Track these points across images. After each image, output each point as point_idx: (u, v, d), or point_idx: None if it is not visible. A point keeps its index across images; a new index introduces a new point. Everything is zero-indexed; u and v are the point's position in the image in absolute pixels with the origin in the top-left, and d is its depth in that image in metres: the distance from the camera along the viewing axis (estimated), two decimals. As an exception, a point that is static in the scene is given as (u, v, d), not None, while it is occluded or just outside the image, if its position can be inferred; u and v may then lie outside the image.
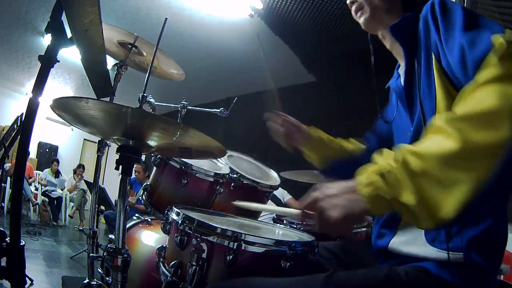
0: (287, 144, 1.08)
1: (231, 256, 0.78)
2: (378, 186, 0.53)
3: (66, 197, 6.12)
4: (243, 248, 0.79)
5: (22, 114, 2.11)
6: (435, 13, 0.73)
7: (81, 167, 6.54)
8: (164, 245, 1.00)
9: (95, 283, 1.63)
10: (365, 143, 1.11)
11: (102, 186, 4.15)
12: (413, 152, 0.52)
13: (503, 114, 0.46)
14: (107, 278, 1.41)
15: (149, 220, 1.57)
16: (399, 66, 0.96)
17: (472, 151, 0.48)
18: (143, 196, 1.46)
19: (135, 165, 1.76)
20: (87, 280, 1.63)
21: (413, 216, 0.52)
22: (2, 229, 0.92)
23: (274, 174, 1.74)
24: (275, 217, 1.60)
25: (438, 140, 0.51)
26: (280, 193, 3.02)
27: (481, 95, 0.49)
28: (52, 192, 5.90)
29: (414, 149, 0.53)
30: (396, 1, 0.90)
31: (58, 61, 0.97)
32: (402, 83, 0.87)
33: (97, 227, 1.85)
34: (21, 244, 0.91)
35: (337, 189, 0.58)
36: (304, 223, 0.65)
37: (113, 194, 4.21)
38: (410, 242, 0.74)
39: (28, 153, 0.96)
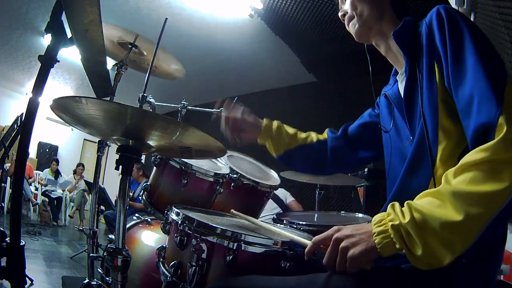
0: (232, 136, 1.09)
1: (231, 257, 0.78)
2: (390, 236, 0.62)
3: (66, 197, 6.12)
4: (243, 248, 0.79)
5: (22, 114, 2.12)
6: (442, 23, 0.72)
7: (81, 165, 6.53)
8: (164, 245, 1.00)
9: (95, 283, 1.63)
10: (334, 133, 1.17)
11: (102, 186, 4.14)
12: (420, 211, 0.61)
13: (502, 196, 0.58)
14: (107, 278, 1.41)
15: (149, 220, 1.57)
16: (395, 72, 0.95)
17: (471, 225, 0.59)
18: (143, 196, 1.46)
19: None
20: (87, 280, 1.63)
21: (415, 260, 0.61)
22: (2, 229, 0.92)
23: (274, 174, 1.74)
24: (275, 217, 1.60)
25: (443, 207, 0.61)
26: (283, 194, 3.02)
27: (483, 176, 0.59)
28: (52, 192, 5.91)
29: (421, 209, 0.62)
30: (385, 6, 0.88)
31: (58, 61, 0.97)
32: (401, 91, 0.86)
33: (97, 227, 1.85)
34: (21, 244, 0.91)
35: (354, 231, 0.67)
36: (312, 254, 0.73)
37: (113, 194, 4.22)
38: None
39: (28, 153, 0.96)
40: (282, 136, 1.13)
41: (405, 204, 0.64)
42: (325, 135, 1.18)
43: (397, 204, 0.66)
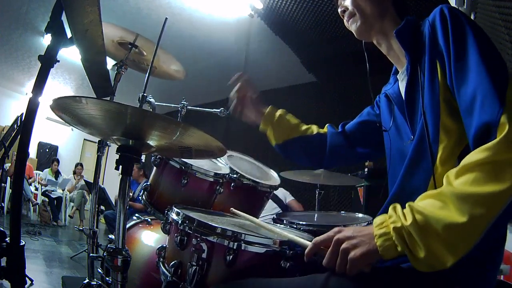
0: (237, 106, 1.11)
1: (231, 256, 0.78)
2: (391, 239, 0.62)
3: (66, 197, 6.12)
4: (243, 248, 0.79)
5: (22, 114, 2.12)
6: (446, 23, 0.73)
7: (79, 165, 6.54)
8: (164, 245, 1.00)
9: (95, 283, 1.63)
10: (334, 128, 1.19)
11: (102, 186, 4.15)
12: (422, 213, 0.61)
13: (504, 197, 0.58)
14: (107, 278, 1.41)
15: (149, 220, 1.56)
16: (395, 71, 0.95)
17: (475, 226, 0.59)
18: (143, 196, 1.46)
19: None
20: (87, 280, 1.63)
21: (418, 263, 0.61)
22: (2, 229, 0.92)
23: (274, 174, 1.74)
24: (275, 217, 1.60)
25: (446, 208, 0.60)
26: (282, 193, 3.01)
27: (485, 177, 0.59)
28: (52, 192, 5.91)
29: (423, 210, 0.61)
30: (387, 5, 0.88)
31: (58, 61, 0.97)
32: (402, 90, 0.86)
33: (97, 227, 1.85)
34: (21, 244, 0.91)
35: (355, 233, 0.67)
36: (312, 255, 0.72)
37: (113, 194, 4.22)
38: None
39: (28, 153, 0.96)
40: (283, 125, 1.14)
41: (406, 205, 0.64)
42: (325, 129, 1.20)
43: (398, 205, 0.66)
